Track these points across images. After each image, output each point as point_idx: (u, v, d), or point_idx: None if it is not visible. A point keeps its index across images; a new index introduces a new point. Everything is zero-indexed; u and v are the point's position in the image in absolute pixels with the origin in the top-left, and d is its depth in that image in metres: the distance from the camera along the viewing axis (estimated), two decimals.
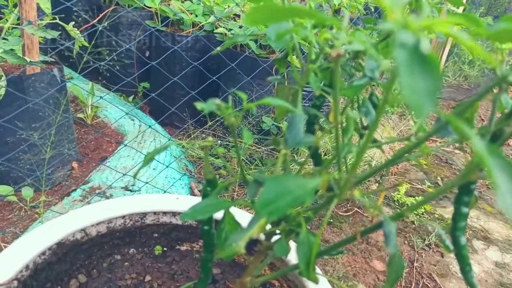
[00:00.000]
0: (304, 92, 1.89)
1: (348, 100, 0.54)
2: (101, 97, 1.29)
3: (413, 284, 1.48)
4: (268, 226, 0.48)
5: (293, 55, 0.52)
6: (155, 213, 0.74)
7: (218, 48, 0.49)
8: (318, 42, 0.46)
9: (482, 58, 0.21)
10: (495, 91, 0.41)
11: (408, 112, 2.97)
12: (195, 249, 0.81)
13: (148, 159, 0.47)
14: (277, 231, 0.49)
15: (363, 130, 0.55)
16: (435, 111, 0.27)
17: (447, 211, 1.96)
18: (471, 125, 0.40)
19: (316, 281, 0.38)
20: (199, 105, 0.42)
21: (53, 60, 1.48)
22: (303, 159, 0.57)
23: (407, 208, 0.43)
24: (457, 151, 2.65)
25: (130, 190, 1.47)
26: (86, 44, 1.39)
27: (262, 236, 0.53)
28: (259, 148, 1.94)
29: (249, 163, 1.89)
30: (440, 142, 2.72)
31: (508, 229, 1.90)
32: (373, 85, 0.53)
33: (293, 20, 0.47)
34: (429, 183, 2.20)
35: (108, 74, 2.34)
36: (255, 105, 0.41)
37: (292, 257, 0.66)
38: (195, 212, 0.42)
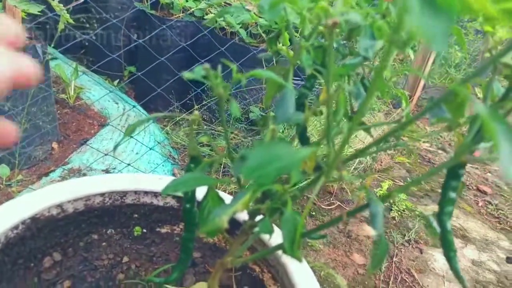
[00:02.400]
0: (293, 85, 1.88)
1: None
2: (84, 73, 1.25)
3: (392, 279, 1.50)
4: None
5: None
6: (136, 192, 0.72)
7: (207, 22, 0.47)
8: (315, 12, 0.44)
9: (489, 16, 0.20)
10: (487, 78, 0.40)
11: (393, 111, 2.99)
12: (175, 232, 0.79)
13: (130, 130, 0.45)
14: (261, 211, 0.48)
15: (353, 115, 0.54)
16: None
17: (428, 209, 1.98)
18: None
19: (299, 259, 0.37)
20: (186, 74, 0.41)
21: (36, 36, 1.42)
22: (291, 140, 0.56)
23: (395, 189, 0.42)
24: (440, 151, 2.69)
25: (111, 173, 1.44)
26: (70, 21, 1.35)
27: (245, 217, 0.51)
28: (245, 138, 1.92)
29: (235, 152, 1.87)
30: (425, 142, 2.76)
31: (485, 228, 1.94)
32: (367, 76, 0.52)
33: None
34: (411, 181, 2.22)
35: (92, 57, 2.28)
36: (246, 77, 0.39)
37: (275, 242, 0.64)
38: (177, 185, 0.40)
